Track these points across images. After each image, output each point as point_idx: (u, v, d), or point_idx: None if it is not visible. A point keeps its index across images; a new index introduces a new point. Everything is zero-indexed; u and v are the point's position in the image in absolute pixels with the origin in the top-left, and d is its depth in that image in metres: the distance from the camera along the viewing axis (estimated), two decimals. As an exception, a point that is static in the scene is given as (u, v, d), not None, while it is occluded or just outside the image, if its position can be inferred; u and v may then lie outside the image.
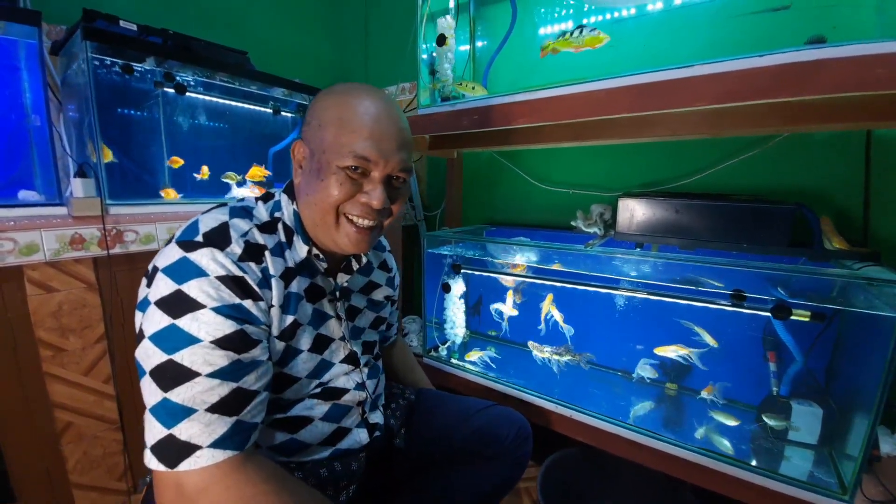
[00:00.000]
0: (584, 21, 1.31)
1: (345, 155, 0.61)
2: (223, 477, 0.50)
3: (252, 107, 1.64)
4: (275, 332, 0.61)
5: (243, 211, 0.63)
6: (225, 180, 1.48)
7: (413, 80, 1.91)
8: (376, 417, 0.80)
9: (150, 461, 0.50)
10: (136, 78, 1.28)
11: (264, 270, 0.60)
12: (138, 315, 0.56)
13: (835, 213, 1.04)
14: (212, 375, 0.51)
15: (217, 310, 0.53)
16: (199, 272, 0.54)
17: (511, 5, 1.31)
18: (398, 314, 1.00)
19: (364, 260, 0.78)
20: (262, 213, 0.66)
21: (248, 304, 0.56)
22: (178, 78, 1.33)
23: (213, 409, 0.51)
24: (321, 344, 0.70)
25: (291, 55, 1.99)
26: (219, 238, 0.57)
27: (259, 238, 0.61)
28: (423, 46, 1.29)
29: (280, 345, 0.63)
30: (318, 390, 0.70)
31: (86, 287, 1.07)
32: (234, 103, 1.59)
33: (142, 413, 0.53)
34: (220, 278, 0.54)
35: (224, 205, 0.64)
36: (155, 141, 1.40)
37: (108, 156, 1.18)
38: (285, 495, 0.53)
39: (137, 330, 0.55)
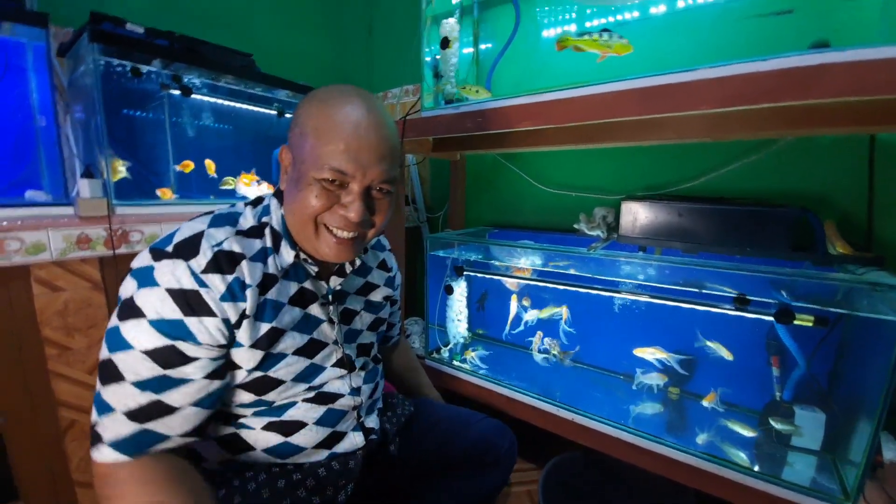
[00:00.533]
0: (588, 24, 1.31)
1: (321, 167, 0.60)
2: (116, 475, 0.53)
3: (257, 109, 1.65)
4: (246, 341, 0.61)
5: (226, 218, 0.63)
6: (223, 187, 1.48)
7: (416, 83, 1.92)
8: (372, 422, 0.80)
9: (91, 440, 0.55)
10: (142, 80, 1.30)
11: (234, 282, 0.59)
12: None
13: (838, 218, 1.04)
14: (134, 384, 0.54)
15: (154, 323, 0.54)
16: (153, 282, 0.55)
17: (515, 8, 1.31)
18: (400, 314, 1.00)
19: (358, 262, 0.78)
20: (248, 218, 0.65)
21: (190, 321, 0.55)
22: (184, 80, 1.35)
23: (128, 413, 0.53)
24: (312, 348, 0.70)
25: (295, 58, 2.00)
26: (187, 249, 0.57)
27: (235, 246, 0.60)
28: (427, 49, 1.30)
29: (257, 353, 0.62)
30: (311, 394, 0.70)
31: (91, 286, 1.07)
32: (239, 105, 1.60)
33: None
34: (169, 291, 0.55)
35: (211, 212, 0.65)
36: (160, 142, 1.41)
37: (120, 172, 1.20)
38: None
39: None
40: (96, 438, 0.54)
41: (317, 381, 0.70)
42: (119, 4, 1.40)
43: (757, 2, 1.04)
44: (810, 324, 0.89)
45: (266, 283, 0.63)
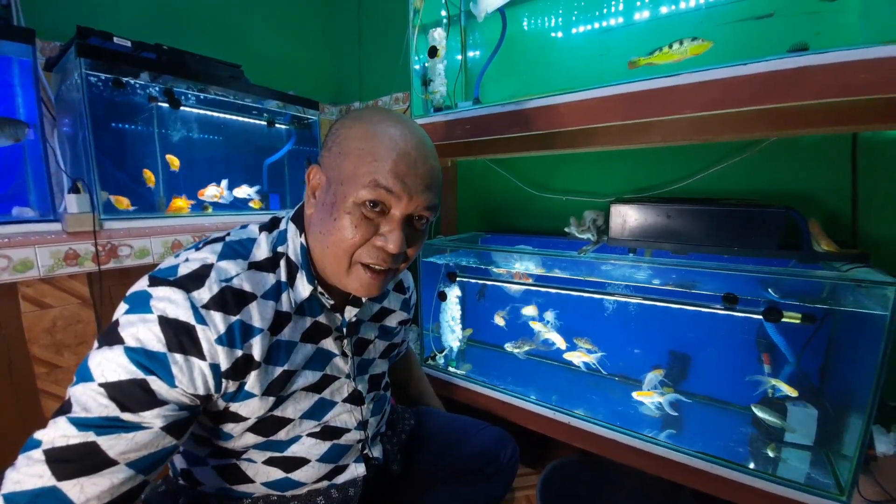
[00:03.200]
0: (574, 31, 1.33)
1: (363, 185, 0.53)
2: None
3: (247, 119, 1.65)
4: (258, 390, 0.56)
5: (238, 248, 0.57)
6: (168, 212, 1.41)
7: (406, 91, 1.93)
8: (377, 452, 0.76)
9: None
10: (130, 93, 1.29)
11: (236, 324, 0.52)
12: None
13: (823, 216, 1.06)
14: (73, 420, 0.44)
15: (129, 351, 0.47)
16: (145, 309, 0.49)
17: (501, 18, 1.33)
18: (409, 331, 0.96)
19: None
20: (262, 247, 0.59)
21: (174, 357, 0.48)
22: (173, 91, 1.34)
23: (48, 453, 0.44)
24: (323, 384, 0.65)
25: (286, 67, 2.00)
26: (191, 282, 0.51)
27: (246, 285, 0.54)
28: (416, 58, 1.31)
29: (269, 400, 0.58)
30: (318, 429, 0.66)
31: (80, 303, 1.06)
32: (228, 116, 1.59)
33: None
34: (161, 319, 0.48)
35: (222, 238, 0.58)
36: (150, 153, 1.40)
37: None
38: None
39: None
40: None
41: (326, 417, 0.66)
42: (107, 19, 1.40)
43: (738, 7, 1.06)
44: (798, 321, 0.90)
45: (278, 322, 0.58)
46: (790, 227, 0.90)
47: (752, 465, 0.90)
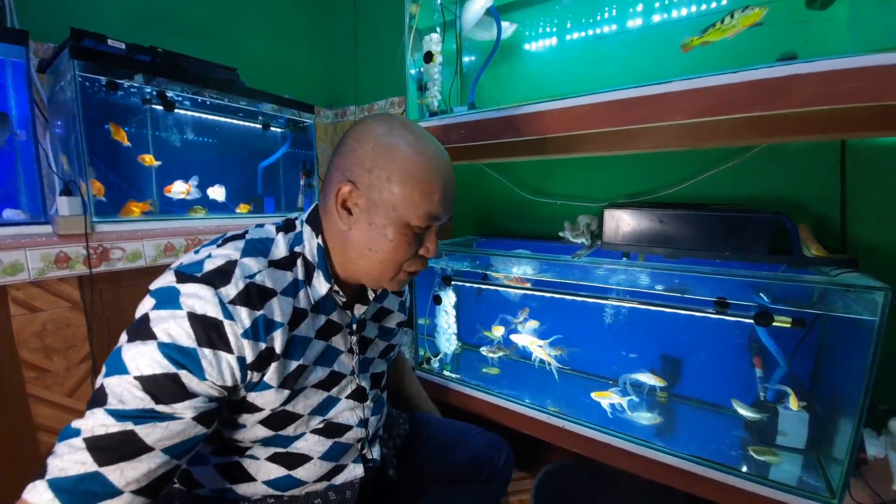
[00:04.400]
0: (568, 37, 1.35)
1: (421, 216, 0.61)
2: None
3: (242, 123, 1.64)
4: (275, 382, 0.58)
5: (259, 246, 0.60)
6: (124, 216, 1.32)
7: (401, 95, 1.94)
8: (375, 453, 0.77)
9: None
10: (123, 95, 1.29)
11: (260, 319, 0.55)
12: None
13: (813, 221, 1.07)
14: (112, 412, 0.47)
15: (163, 346, 0.49)
16: (175, 305, 0.51)
17: (496, 22, 1.34)
18: (408, 337, 0.98)
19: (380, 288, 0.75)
20: (280, 247, 0.62)
21: (204, 352, 0.50)
22: (167, 94, 1.34)
23: (90, 441, 0.46)
24: (331, 381, 0.68)
25: (281, 71, 2.01)
26: (218, 277, 0.53)
27: (268, 281, 0.57)
28: (412, 62, 1.31)
29: (284, 392, 0.60)
30: (321, 426, 0.68)
31: (70, 306, 1.05)
32: (223, 119, 1.59)
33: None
34: (190, 316, 0.50)
35: (242, 236, 0.60)
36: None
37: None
38: None
39: None
40: (42, 470, 0.46)
41: (330, 414, 0.68)
42: (101, 21, 1.40)
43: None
44: (788, 325, 0.91)
45: (295, 318, 0.61)
46: (780, 232, 0.91)
47: (744, 469, 0.91)
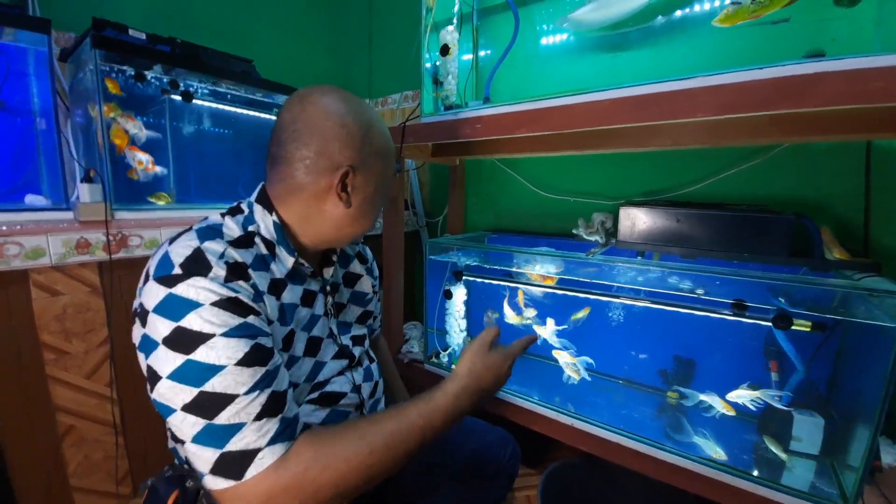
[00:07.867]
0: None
1: (392, 177, 0.70)
2: (300, 454, 0.53)
3: (257, 114, 1.65)
4: (276, 344, 0.61)
5: (211, 231, 0.60)
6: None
7: (416, 89, 1.93)
8: None
9: (216, 483, 0.50)
10: (144, 85, 1.30)
11: (253, 286, 0.58)
12: (140, 356, 0.54)
13: (835, 224, 1.05)
14: (248, 392, 0.52)
15: (226, 334, 0.52)
16: (192, 304, 0.52)
17: (514, 16, 1.32)
18: (380, 306, 1.00)
19: (338, 251, 0.80)
20: (232, 228, 0.63)
21: (251, 319, 0.55)
22: (183, 85, 1.35)
23: (258, 417, 0.52)
24: (313, 346, 0.71)
25: (295, 64, 2.02)
26: (196, 265, 0.54)
27: (237, 256, 0.59)
28: (427, 56, 1.31)
29: (283, 356, 0.62)
30: (316, 395, 0.70)
31: (90, 291, 1.07)
32: (239, 110, 1.60)
33: (143, 418, 0.53)
34: (215, 304, 0.52)
35: (189, 229, 0.61)
36: (161, 146, 1.41)
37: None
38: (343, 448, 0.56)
39: (145, 370, 0.53)
40: (247, 457, 0.50)
41: (321, 378, 0.71)
42: (121, 11, 1.41)
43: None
44: (808, 329, 0.89)
45: (276, 287, 0.64)
46: (801, 234, 0.89)
47: (755, 473, 0.90)
